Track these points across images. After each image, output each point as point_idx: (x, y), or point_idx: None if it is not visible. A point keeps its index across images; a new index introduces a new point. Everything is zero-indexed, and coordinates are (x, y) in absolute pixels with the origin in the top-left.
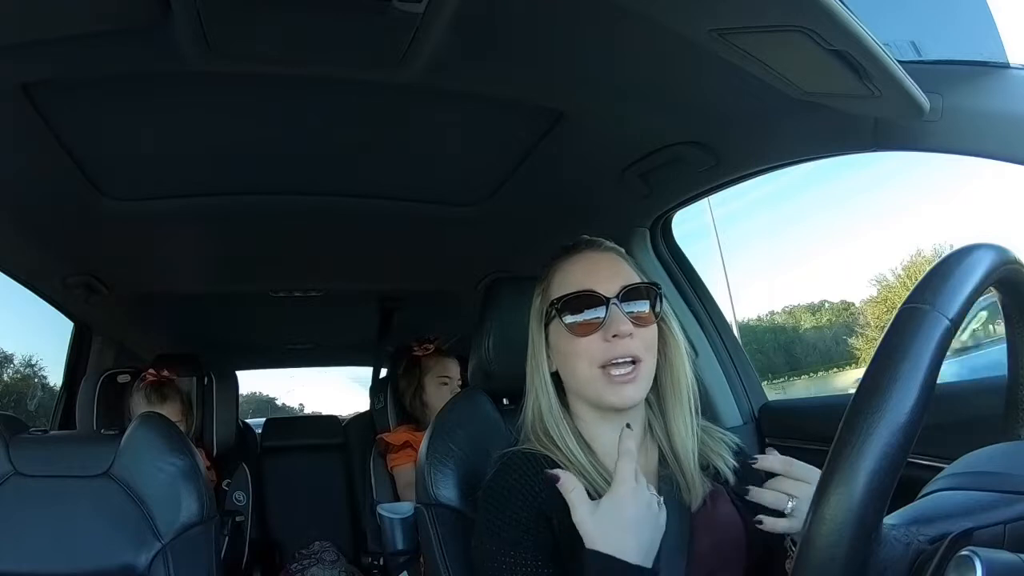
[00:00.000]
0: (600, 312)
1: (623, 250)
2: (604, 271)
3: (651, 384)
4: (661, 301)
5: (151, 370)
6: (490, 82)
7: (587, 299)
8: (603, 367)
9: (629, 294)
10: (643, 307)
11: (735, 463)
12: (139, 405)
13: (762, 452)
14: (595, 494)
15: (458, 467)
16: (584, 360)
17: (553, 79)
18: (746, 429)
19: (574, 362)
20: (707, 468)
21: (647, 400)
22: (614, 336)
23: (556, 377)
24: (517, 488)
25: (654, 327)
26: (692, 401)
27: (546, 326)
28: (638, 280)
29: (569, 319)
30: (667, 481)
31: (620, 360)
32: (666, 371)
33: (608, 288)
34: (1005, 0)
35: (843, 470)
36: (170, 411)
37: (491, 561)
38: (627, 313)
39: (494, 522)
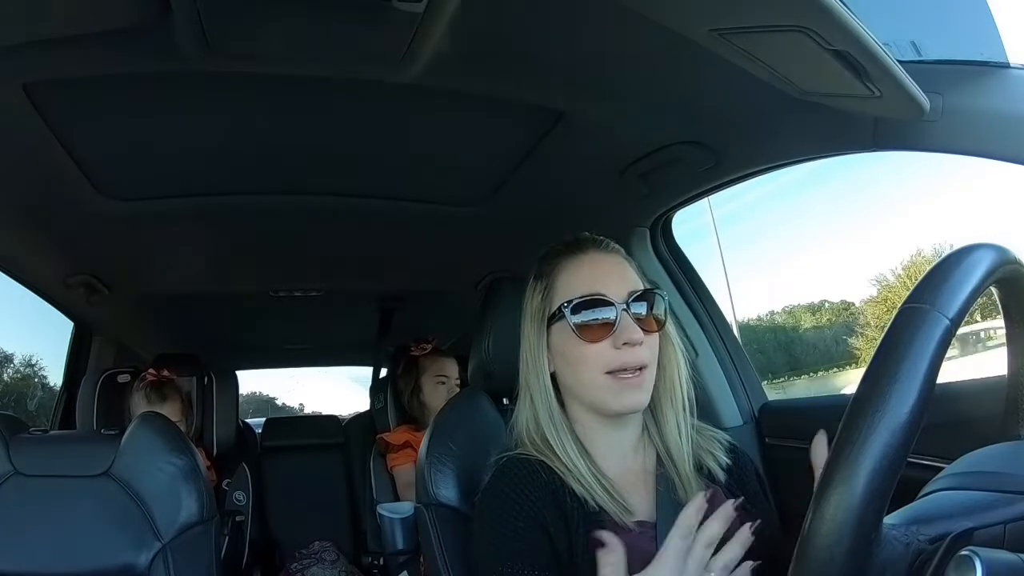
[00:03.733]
0: (611, 318)
1: (624, 251)
2: (612, 275)
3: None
4: (665, 307)
5: (151, 370)
6: (490, 82)
7: (597, 304)
8: (610, 373)
9: (637, 300)
10: (649, 312)
11: (727, 460)
12: (139, 405)
13: (762, 452)
14: (591, 502)
15: (458, 467)
16: (592, 366)
17: (553, 79)
18: (746, 429)
19: (580, 367)
20: (702, 469)
21: None
22: (625, 344)
23: (553, 379)
24: (513, 497)
25: (657, 334)
26: (687, 403)
27: (548, 327)
28: (644, 286)
29: (579, 324)
30: (664, 481)
31: (628, 368)
32: (662, 373)
33: (617, 293)
34: (1005, 0)
35: (843, 470)
36: (170, 411)
37: (490, 569)
38: (635, 319)
39: (490, 532)
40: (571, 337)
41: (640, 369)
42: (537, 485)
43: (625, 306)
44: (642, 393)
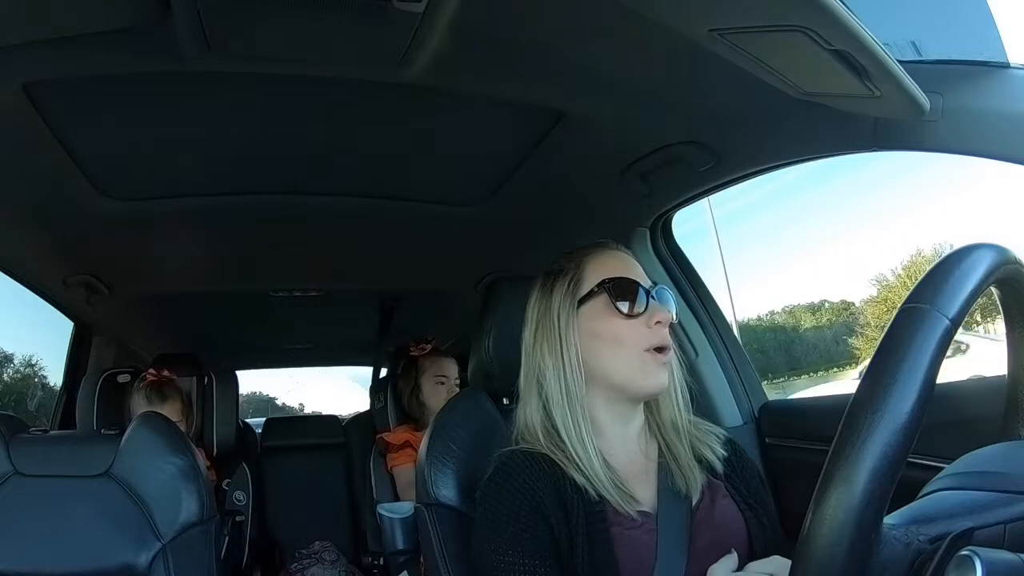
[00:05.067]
0: (643, 299)
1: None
2: (634, 268)
3: None
4: (672, 306)
5: (151, 370)
6: (490, 82)
7: (631, 285)
8: (646, 351)
9: (658, 293)
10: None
11: (724, 452)
12: (139, 405)
13: (762, 452)
14: (592, 491)
15: (458, 467)
16: (631, 342)
17: (553, 79)
18: (746, 429)
19: (618, 344)
20: (701, 461)
21: None
22: (657, 323)
23: None
24: (515, 487)
25: None
26: (682, 397)
27: (577, 309)
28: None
29: (619, 302)
30: (665, 472)
31: (661, 346)
32: None
33: (644, 281)
34: (1005, 0)
35: (843, 470)
36: (170, 411)
37: (489, 560)
38: None
39: (492, 521)
40: (609, 314)
41: (668, 350)
42: (540, 475)
43: (652, 293)
44: (667, 375)
